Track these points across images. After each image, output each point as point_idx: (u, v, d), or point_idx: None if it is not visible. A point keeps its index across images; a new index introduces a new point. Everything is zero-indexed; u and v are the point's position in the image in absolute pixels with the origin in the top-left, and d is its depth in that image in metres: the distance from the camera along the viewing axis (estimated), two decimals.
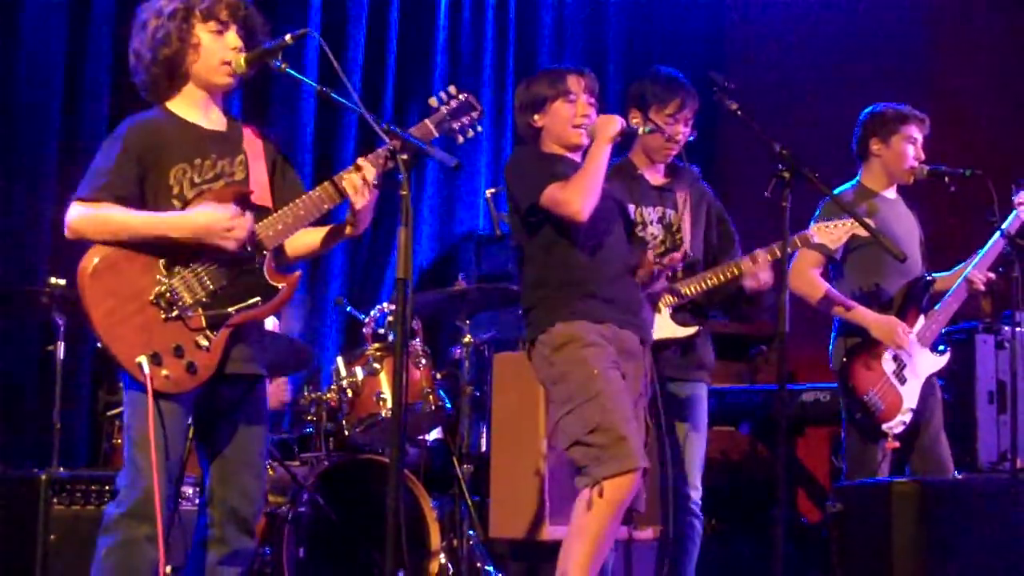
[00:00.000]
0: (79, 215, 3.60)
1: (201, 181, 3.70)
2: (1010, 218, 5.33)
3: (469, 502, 5.61)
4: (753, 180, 5.67)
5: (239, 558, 3.77)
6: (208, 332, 3.61)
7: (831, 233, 4.89)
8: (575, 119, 4.44)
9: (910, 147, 5.41)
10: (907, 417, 5.22)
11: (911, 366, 5.26)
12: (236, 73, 3.73)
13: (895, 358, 5.25)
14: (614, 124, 4.33)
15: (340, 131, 7.36)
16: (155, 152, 3.67)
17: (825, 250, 5.11)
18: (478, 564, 5.54)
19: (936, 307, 5.35)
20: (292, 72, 3.69)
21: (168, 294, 3.58)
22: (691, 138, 4.90)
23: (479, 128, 3.90)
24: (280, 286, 3.72)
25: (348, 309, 6.12)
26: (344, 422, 5.47)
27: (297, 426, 5.98)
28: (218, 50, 3.72)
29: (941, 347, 5.34)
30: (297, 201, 3.72)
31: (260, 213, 3.72)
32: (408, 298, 3.43)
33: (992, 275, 5.37)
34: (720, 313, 5.18)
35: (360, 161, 3.72)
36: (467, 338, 5.76)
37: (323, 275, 7.25)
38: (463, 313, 5.78)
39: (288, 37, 3.68)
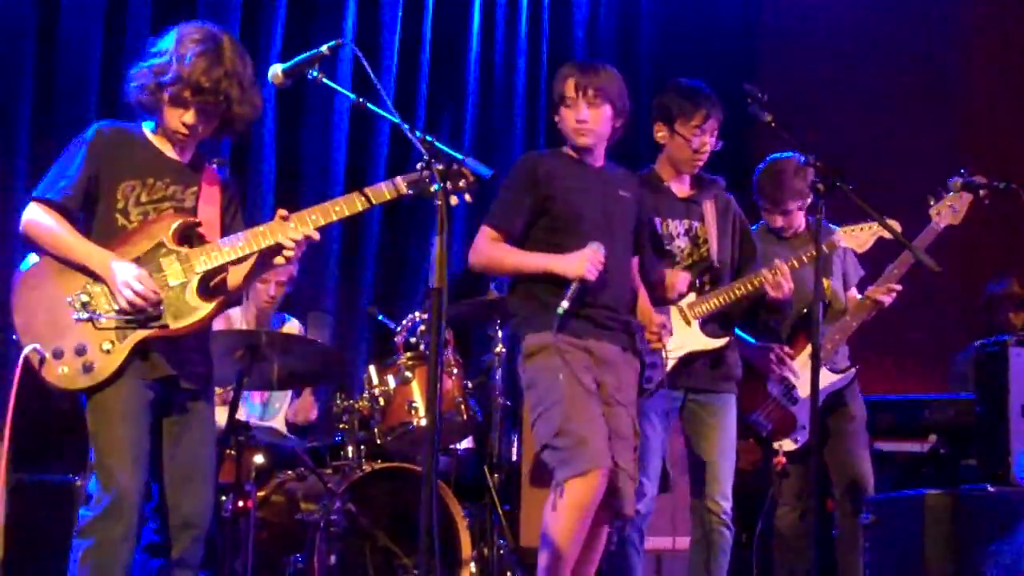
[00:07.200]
0: (36, 221, 3.77)
1: (147, 200, 3.85)
2: (921, 234, 5.33)
3: (500, 511, 5.62)
4: None
5: (191, 566, 3.87)
6: (114, 337, 3.72)
7: (857, 237, 4.92)
8: (572, 123, 4.50)
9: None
10: (800, 435, 5.28)
11: (801, 387, 5.29)
12: (188, 134, 3.89)
13: (782, 381, 5.32)
14: (576, 269, 4.29)
15: (373, 139, 7.37)
16: (112, 162, 3.84)
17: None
18: (508, 573, 5.55)
19: (834, 326, 5.42)
20: (328, 82, 3.72)
21: (84, 297, 3.72)
22: (717, 148, 4.90)
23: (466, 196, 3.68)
24: (199, 307, 3.80)
25: (379, 317, 6.13)
26: (376, 430, 5.47)
27: (328, 434, 6.00)
28: (172, 119, 3.87)
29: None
30: (239, 234, 3.85)
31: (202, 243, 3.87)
32: (442, 307, 3.44)
33: (899, 287, 5.39)
34: (742, 325, 5.16)
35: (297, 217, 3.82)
36: (499, 347, 5.77)
37: (355, 283, 7.26)
38: (495, 322, 5.79)
39: (324, 48, 3.72)
